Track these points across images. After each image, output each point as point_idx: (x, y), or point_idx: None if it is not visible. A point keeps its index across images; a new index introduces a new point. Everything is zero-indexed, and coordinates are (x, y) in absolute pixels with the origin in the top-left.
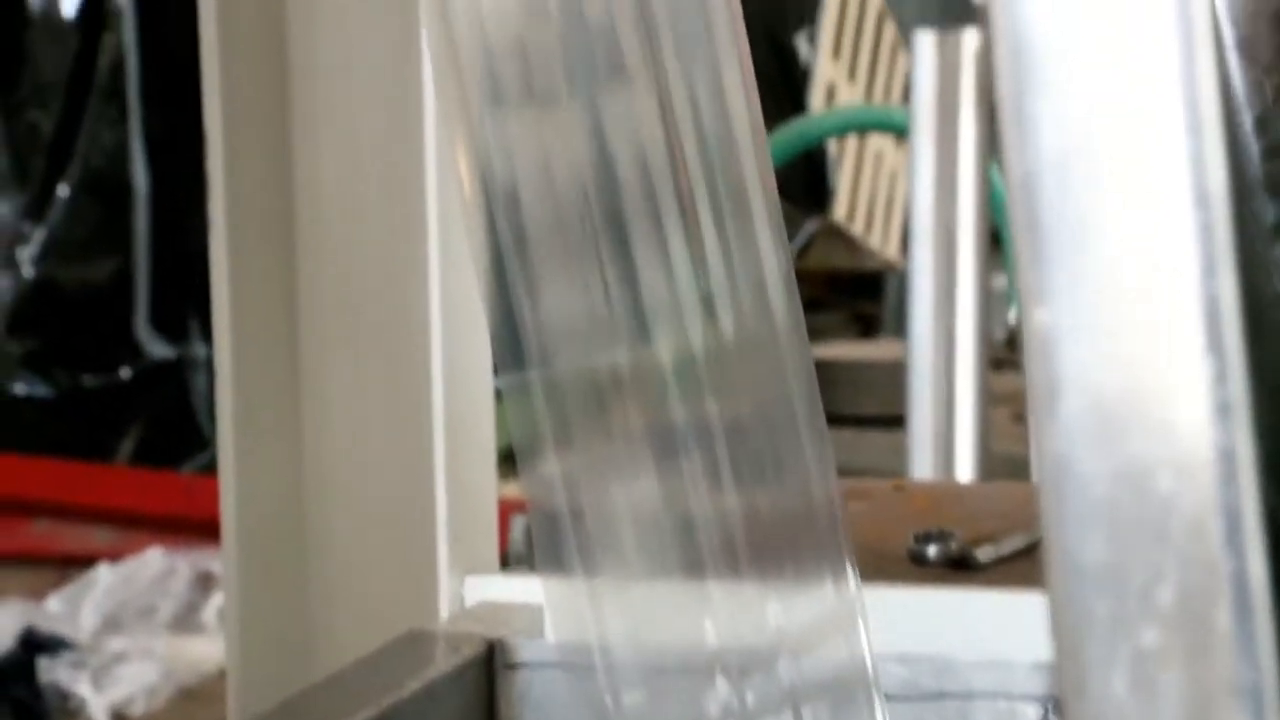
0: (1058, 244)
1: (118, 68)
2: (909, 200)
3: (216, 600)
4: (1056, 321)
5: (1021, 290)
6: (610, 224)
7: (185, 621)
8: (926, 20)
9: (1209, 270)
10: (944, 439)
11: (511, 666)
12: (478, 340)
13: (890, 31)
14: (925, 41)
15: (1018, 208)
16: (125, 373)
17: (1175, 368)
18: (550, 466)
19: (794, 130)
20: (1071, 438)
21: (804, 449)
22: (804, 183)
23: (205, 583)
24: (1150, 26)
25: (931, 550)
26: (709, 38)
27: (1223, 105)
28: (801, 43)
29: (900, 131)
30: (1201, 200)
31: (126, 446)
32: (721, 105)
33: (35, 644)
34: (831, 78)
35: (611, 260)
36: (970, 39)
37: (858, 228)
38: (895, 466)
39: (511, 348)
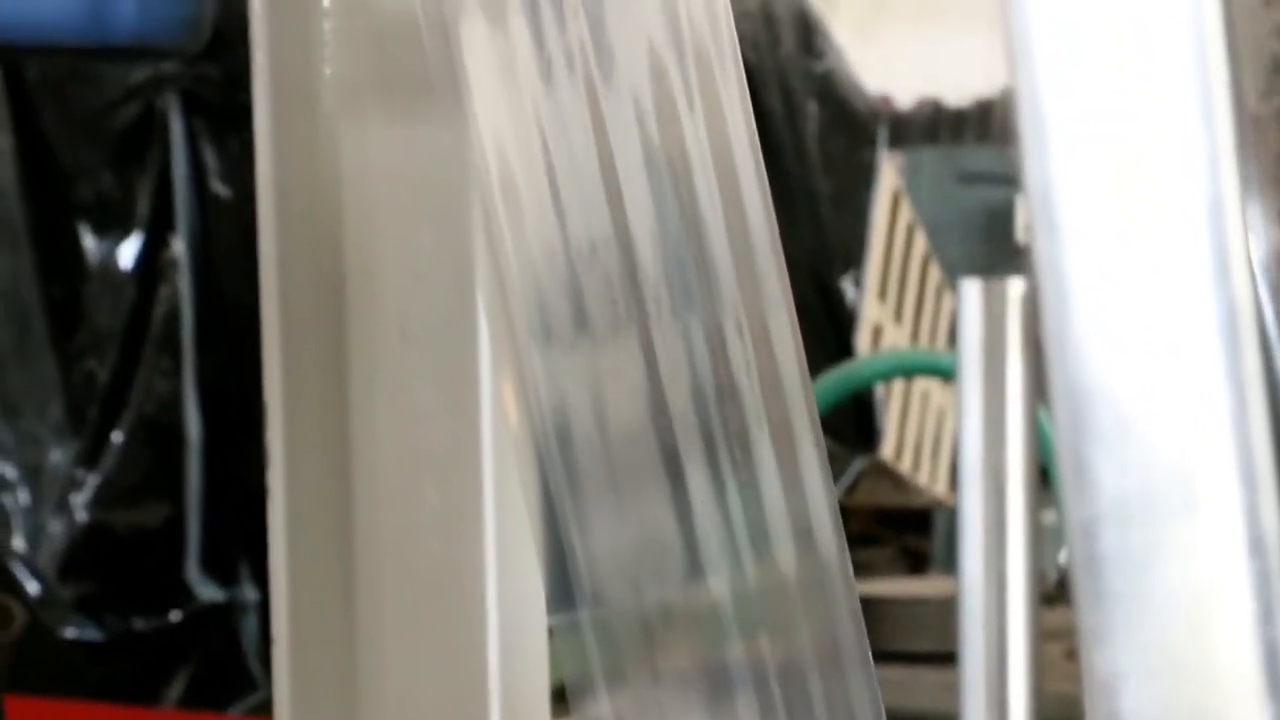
0: (1117, 586)
1: (173, 317)
2: (957, 440)
3: None
4: (1116, 663)
5: (1081, 630)
6: (659, 462)
7: None
8: (971, 258)
9: (1266, 616)
10: (996, 676)
11: None
12: (531, 578)
13: (935, 273)
14: (971, 290)
15: (1077, 549)
16: (175, 616)
17: (1235, 713)
18: (602, 706)
19: (841, 375)
20: None
21: (851, 689)
22: (852, 421)
23: None
24: (1198, 367)
25: None
26: (754, 279)
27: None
28: (847, 285)
29: (947, 376)
30: (1256, 547)
31: (175, 689)
32: (767, 344)
33: None
34: (877, 319)
35: (661, 498)
36: (1016, 287)
37: (905, 465)
38: (947, 705)
39: (563, 586)
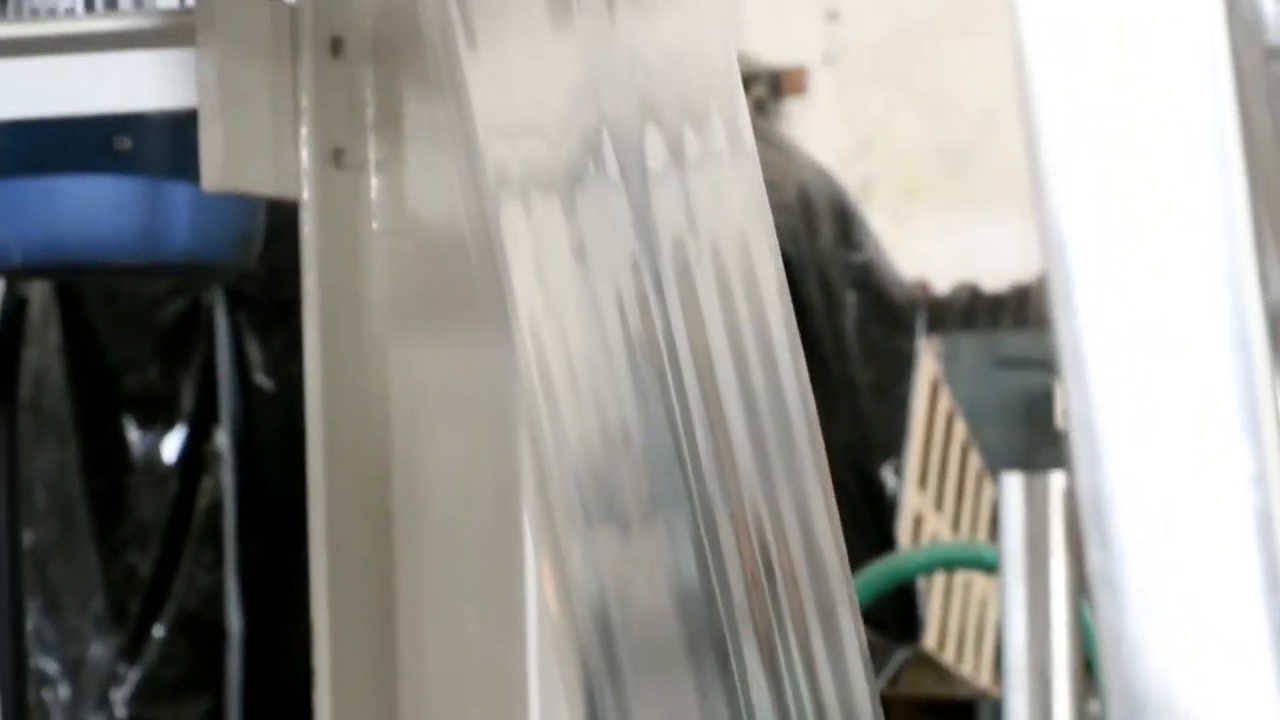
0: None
1: (215, 510)
2: (1000, 631)
3: None
4: None
5: None
6: (695, 652)
7: None
8: (1011, 443)
9: None
10: None
11: None
12: None
13: (975, 460)
14: (1013, 484)
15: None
16: None
17: None
18: None
19: (883, 568)
20: None
21: None
22: (893, 611)
23: None
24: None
25: None
26: (792, 468)
27: None
28: (888, 474)
29: (990, 569)
30: None
31: None
32: (806, 533)
33: None
34: (918, 508)
35: (697, 688)
36: (1057, 481)
37: (949, 656)
38: None
39: None
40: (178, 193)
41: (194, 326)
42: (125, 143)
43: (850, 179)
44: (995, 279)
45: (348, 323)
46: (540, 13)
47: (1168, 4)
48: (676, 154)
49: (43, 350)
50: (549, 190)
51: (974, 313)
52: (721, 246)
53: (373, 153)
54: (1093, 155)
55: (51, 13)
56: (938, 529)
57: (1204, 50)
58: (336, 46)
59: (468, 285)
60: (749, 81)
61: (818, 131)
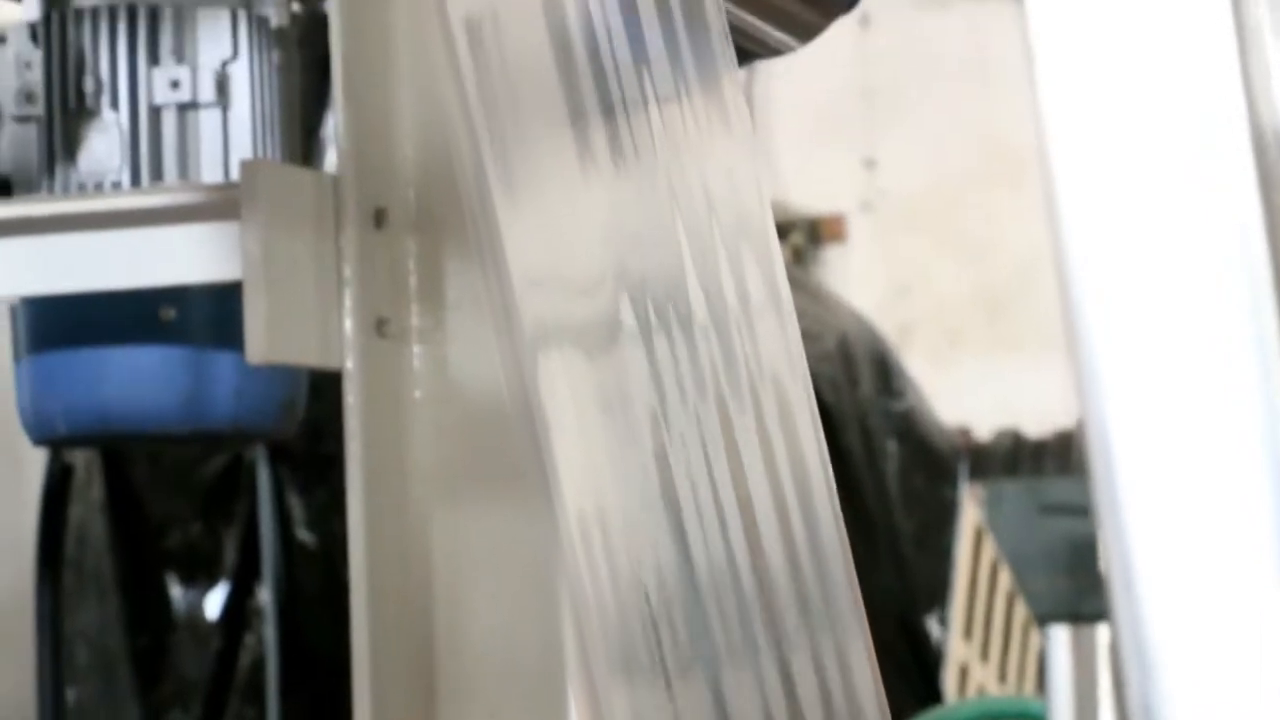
0: None
1: (257, 667)
2: None
3: None
4: None
5: None
6: None
7: None
8: (1056, 591)
9: None
10: None
11: None
12: None
13: (1021, 611)
14: (1059, 636)
15: None
16: None
17: None
18: None
19: None
20: None
21: None
22: None
23: None
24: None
25: None
26: (832, 617)
27: None
28: (933, 625)
29: None
30: None
31: None
32: (848, 681)
33: None
34: (964, 658)
35: None
36: (1104, 633)
37: None
38: None
39: None
40: (222, 361)
41: (236, 482)
42: (170, 313)
43: (889, 325)
44: (1038, 424)
45: (391, 490)
46: (573, 167)
47: (1201, 160)
48: (711, 304)
49: (85, 507)
50: (585, 342)
51: (1017, 459)
52: (758, 395)
53: (415, 322)
54: (1126, 307)
55: (98, 186)
56: (984, 680)
57: (1242, 213)
58: (379, 218)
59: (510, 451)
60: (787, 229)
61: (857, 278)
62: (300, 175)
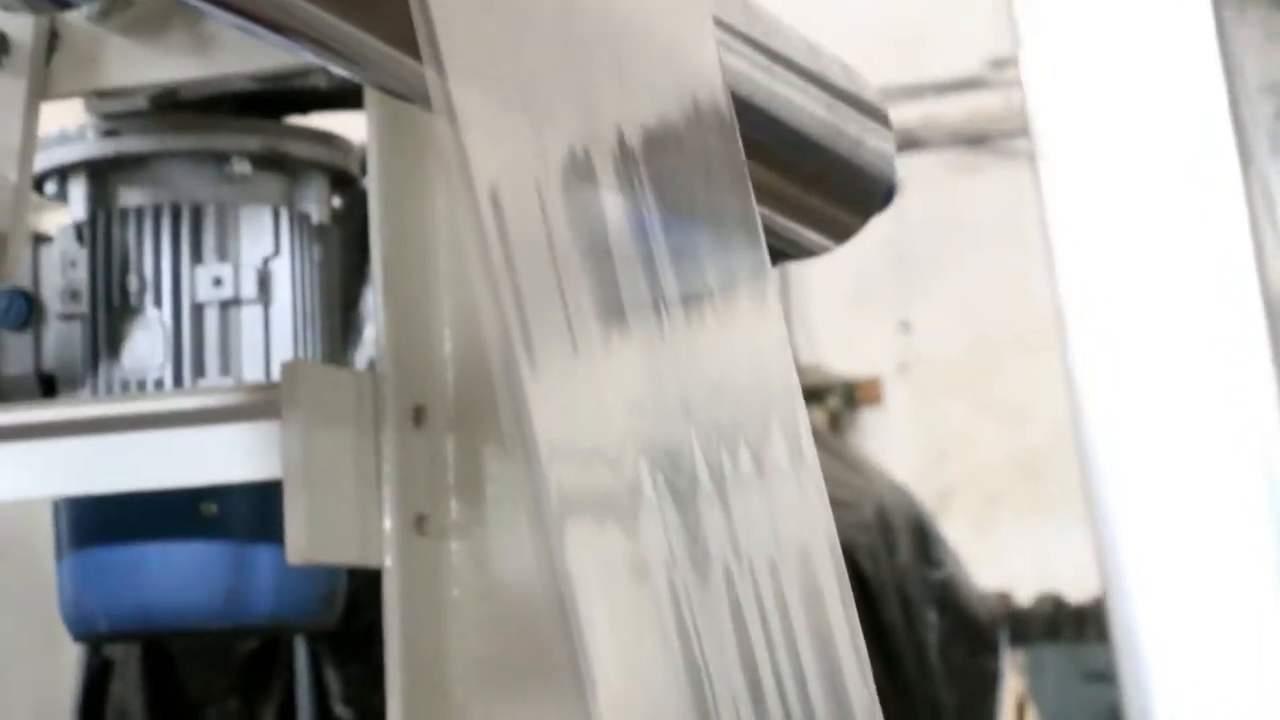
0: None
1: None
2: None
3: None
4: None
5: None
6: None
7: None
8: None
9: None
10: None
11: None
12: None
13: None
14: None
15: None
16: None
17: None
18: None
19: None
20: None
21: None
22: None
23: None
24: None
25: None
26: None
27: None
28: None
29: None
30: None
31: None
32: None
33: None
34: None
35: None
36: None
37: None
38: None
39: None
40: (262, 556)
41: (273, 658)
42: (211, 508)
43: (927, 489)
44: (1079, 588)
45: (430, 686)
46: (598, 339)
47: (1214, 325)
48: (736, 474)
49: (123, 684)
50: (609, 513)
51: (1058, 624)
52: (784, 563)
53: (454, 518)
54: (1143, 477)
55: (141, 383)
56: None
57: (1256, 383)
58: (419, 415)
59: (548, 644)
60: (823, 392)
61: (894, 442)
62: (340, 375)
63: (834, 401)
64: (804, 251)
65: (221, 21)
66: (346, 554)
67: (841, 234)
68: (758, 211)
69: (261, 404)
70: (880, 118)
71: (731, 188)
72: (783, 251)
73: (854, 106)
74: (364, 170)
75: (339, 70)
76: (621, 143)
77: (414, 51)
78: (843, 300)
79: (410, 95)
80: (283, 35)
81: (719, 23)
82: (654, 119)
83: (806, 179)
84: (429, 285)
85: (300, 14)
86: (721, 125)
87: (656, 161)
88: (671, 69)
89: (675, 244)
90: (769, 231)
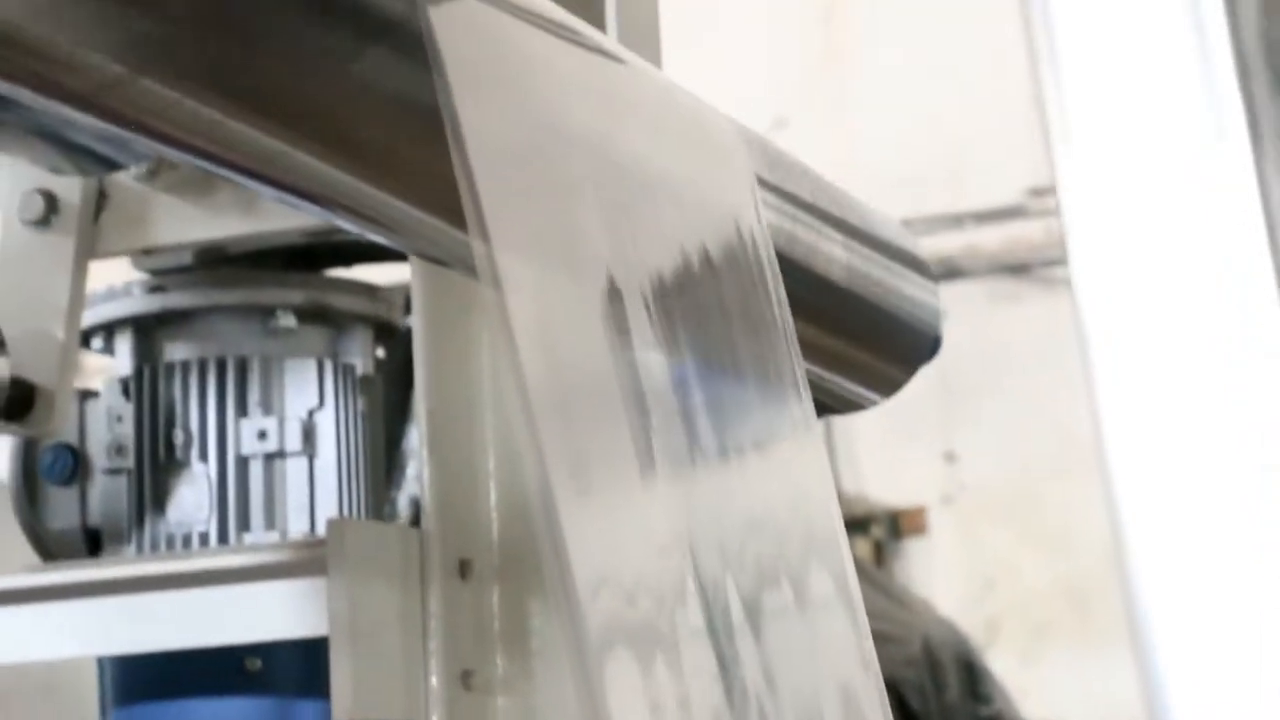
0: None
1: None
2: None
3: None
4: None
5: None
6: None
7: None
8: None
9: None
10: None
11: None
12: None
13: None
14: None
15: None
16: None
17: None
18: None
19: None
20: None
21: None
22: None
23: None
24: None
25: None
26: None
27: None
28: None
29: None
30: None
31: None
32: None
33: None
34: None
35: None
36: None
37: None
38: None
39: None
40: (307, 713)
41: None
42: (256, 663)
43: (974, 620)
44: None
45: None
46: (636, 472)
47: (1257, 453)
48: (777, 606)
49: None
50: (649, 647)
51: None
52: (826, 699)
53: (500, 672)
54: (1189, 612)
55: (186, 537)
56: None
57: None
58: (464, 569)
59: None
60: (867, 523)
61: (940, 572)
62: (386, 531)
63: (878, 531)
64: (850, 405)
65: (265, 195)
66: (393, 711)
67: (888, 388)
68: (803, 366)
69: (307, 561)
70: (924, 270)
71: (774, 342)
72: (829, 405)
73: (898, 260)
74: (409, 312)
75: (378, 239)
76: (661, 293)
77: (454, 220)
78: (886, 429)
79: (448, 260)
80: (320, 206)
81: (760, 180)
82: (693, 271)
83: (852, 334)
84: (474, 438)
85: (340, 187)
86: (763, 280)
87: (696, 312)
88: (711, 223)
89: (716, 392)
90: (814, 386)
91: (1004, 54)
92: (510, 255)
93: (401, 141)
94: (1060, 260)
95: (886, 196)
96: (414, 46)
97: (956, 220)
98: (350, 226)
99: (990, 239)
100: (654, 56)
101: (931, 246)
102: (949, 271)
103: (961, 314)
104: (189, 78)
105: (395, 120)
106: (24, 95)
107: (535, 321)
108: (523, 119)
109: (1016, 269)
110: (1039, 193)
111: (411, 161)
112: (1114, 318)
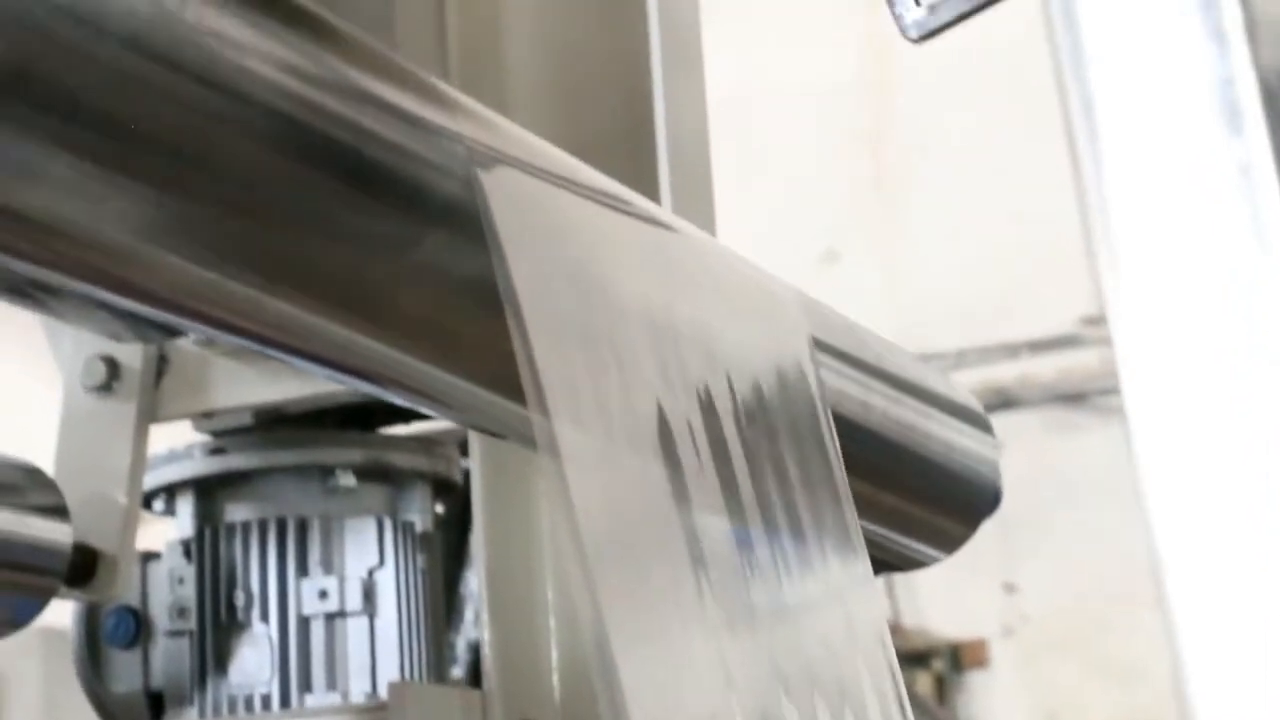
0: None
1: None
2: None
3: None
4: None
5: None
6: None
7: None
8: None
9: None
10: None
11: None
12: None
13: None
14: None
15: None
16: None
17: None
18: None
19: None
20: None
21: None
22: None
23: None
24: None
25: None
26: None
27: None
28: None
29: None
30: None
31: None
32: None
33: None
34: None
35: None
36: None
37: None
38: None
39: None
40: None
41: None
42: None
43: None
44: None
45: None
46: (689, 615)
47: None
48: None
49: None
50: None
51: None
52: None
53: None
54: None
55: (248, 699)
56: None
57: None
58: None
59: None
60: (928, 656)
61: (1001, 705)
62: (447, 694)
63: (939, 665)
64: (912, 563)
65: (321, 376)
66: None
67: (950, 544)
68: (858, 523)
69: None
70: (980, 423)
71: (831, 500)
72: (890, 563)
73: (954, 414)
74: (466, 472)
75: (434, 414)
76: (718, 453)
77: (510, 393)
78: (945, 562)
79: (502, 431)
80: (375, 384)
81: (815, 340)
82: (750, 432)
83: (911, 492)
84: (534, 599)
85: (395, 365)
86: (820, 438)
87: (753, 470)
88: (767, 384)
89: (773, 548)
90: (875, 544)
91: (1055, 180)
92: (568, 425)
93: (458, 319)
94: (1115, 389)
95: (939, 326)
96: (471, 227)
97: (1010, 350)
98: (404, 402)
99: (1045, 368)
100: (706, 199)
101: (985, 376)
102: (1004, 401)
103: (1018, 444)
104: (255, 270)
105: (451, 299)
106: (100, 294)
107: (593, 488)
108: (579, 293)
109: (1072, 398)
110: (1093, 321)
111: (467, 338)
112: (1169, 445)
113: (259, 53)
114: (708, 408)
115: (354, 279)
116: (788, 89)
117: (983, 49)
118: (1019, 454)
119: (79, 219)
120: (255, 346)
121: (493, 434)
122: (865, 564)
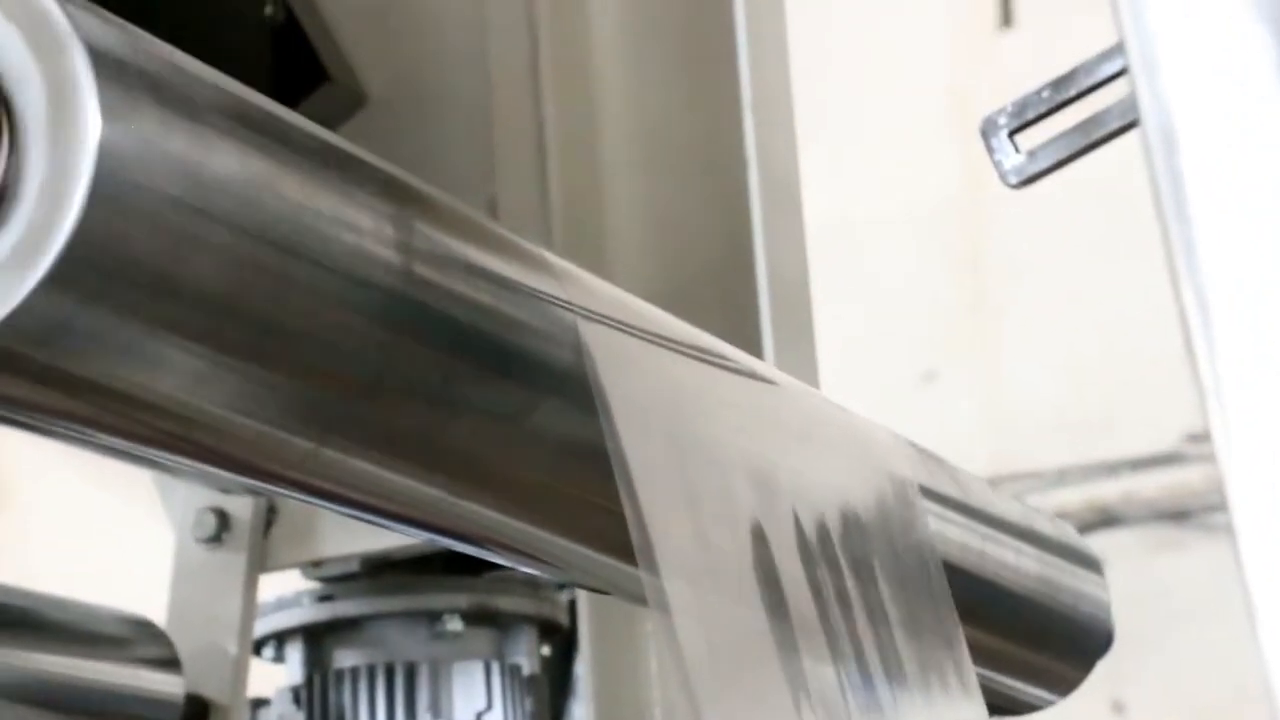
0: None
1: None
2: None
3: None
4: None
5: None
6: None
7: None
8: None
9: None
10: None
11: None
12: None
13: None
14: None
15: None
16: None
17: None
18: None
19: None
20: None
21: None
22: None
23: None
24: None
25: None
26: None
27: None
28: None
29: None
30: None
31: None
32: None
33: None
34: None
35: None
36: None
37: None
38: None
39: None
40: None
41: None
42: None
43: None
44: None
45: None
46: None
47: None
48: None
49: None
50: None
51: None
52: None
53: None
54: None
55: None
56: None
57: None
58: None
59: None
60: None
61: None
62: None
63: None
64: (1027, 707)
65: (433, 541)
66: None
67: (1064, 687)
68: (973, 670)
69: None
70: (1089, 563)
71: (945, 646)
72: (1004, 707)
73: (1065, 557)
74: (573, 616)
75: (540, 574)
76: (822, 608)
77: (617, 552)
78: None
79: (607, 589)
80: (486, 549)
81: (925, 490)
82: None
83: (1025, 637)
84: (641, 701)
85: (505, 531)
86: (929, 587)
87: (864, 619)
88: (876, 535)
89: (882, 696)
90: (988, 690)
91: (1156, 294)
92: (678, 583)
93: (567, 483)
94: (1220, 506)
95: (1040, 444)
96: (581, 393)
97: (1112, 468)
98: (513, 565)
99: (1148, 486)
100: (807, 333)
101: (1088, 494)
102: (1107, 520)
103: (1123, 563)
104: (374, 447)
105: (562, 464)
106: (219, 478)
107: (701, 641)
108: (684, 453)
109: (1177, 516)
110: (1197, 438)
111: (576, 501)
112: (1276, 563)
113: (373, 234)
114: (812, 558)
115: (469, 450)
116: (886, 215)
117: (1077, 170)
118: (1124, 572)
119: (208, 405)
120: (369, 518)
121: (598, 591)
122: (981, 709)
